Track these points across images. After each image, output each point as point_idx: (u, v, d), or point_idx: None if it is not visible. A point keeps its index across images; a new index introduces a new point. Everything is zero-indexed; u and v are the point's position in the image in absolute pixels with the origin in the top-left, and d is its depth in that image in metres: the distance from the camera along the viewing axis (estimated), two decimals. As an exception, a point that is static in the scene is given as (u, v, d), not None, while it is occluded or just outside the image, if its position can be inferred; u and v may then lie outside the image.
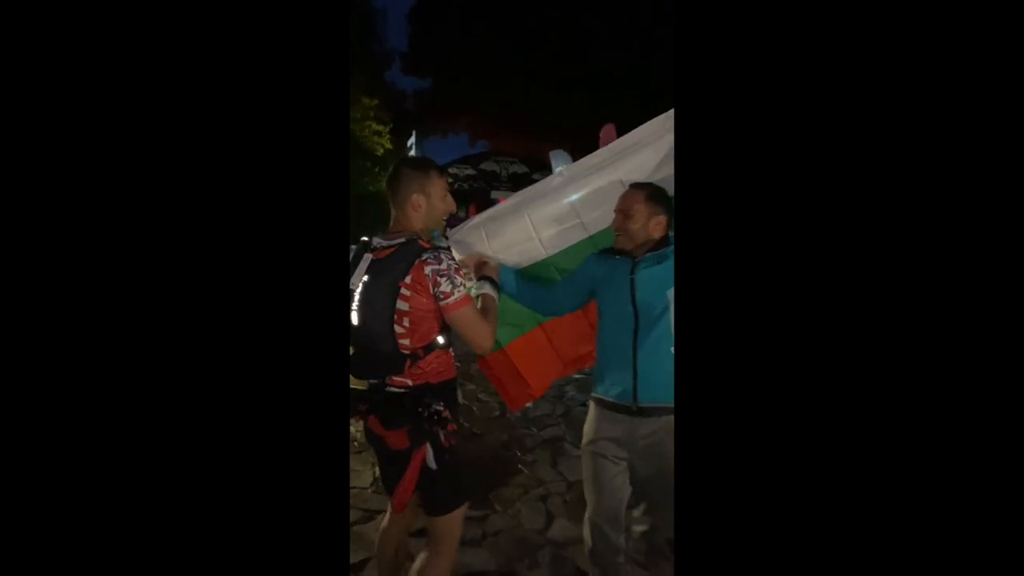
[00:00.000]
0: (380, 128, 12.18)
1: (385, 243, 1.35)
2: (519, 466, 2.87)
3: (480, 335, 1.35)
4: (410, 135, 13.62)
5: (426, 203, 1.38)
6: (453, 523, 1.42)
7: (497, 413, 3.64)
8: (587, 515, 1.59)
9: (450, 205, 1.46)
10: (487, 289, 1.55)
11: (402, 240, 1.33)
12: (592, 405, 1.61)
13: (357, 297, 1.32)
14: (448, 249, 1.41)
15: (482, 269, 1.63)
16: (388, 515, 1.58)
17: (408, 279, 1.27)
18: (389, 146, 12.38)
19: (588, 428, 1.61)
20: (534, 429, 3.42)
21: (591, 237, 1.78)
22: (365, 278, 1.32)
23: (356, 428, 3.38)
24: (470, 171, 16.11)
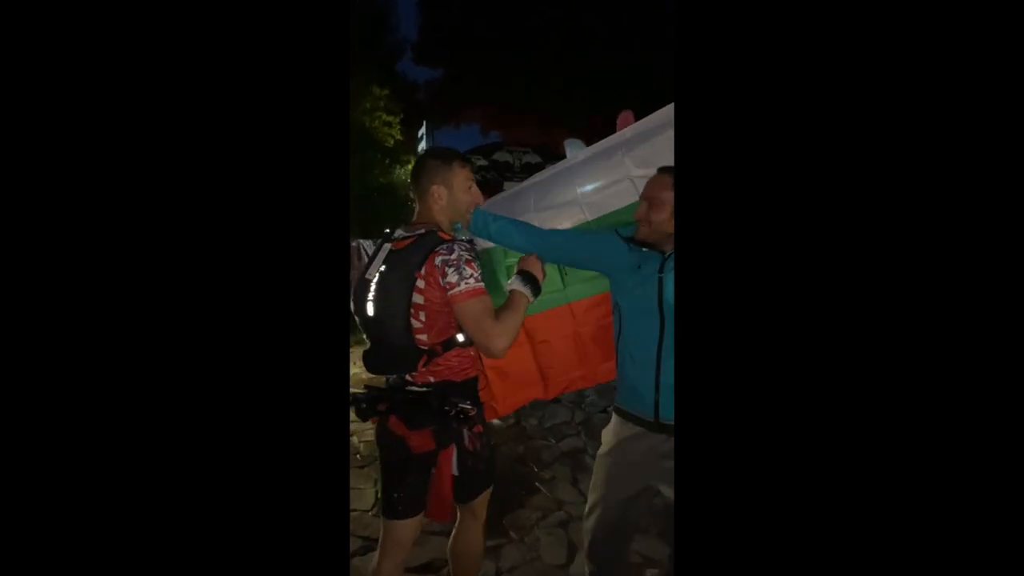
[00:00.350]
0: (390, 119, 11.90)
1: (405, 234, 1.30)
2: (536, 484, 2.61)
3: (488, 335, 1.19)
4: (421, 126, 13.31)
5: (447, 195, 1.33)
6: (481, 504, 1.43)
7: (512, 420, 3.38)
8: (586, 524, 1.47)
9: (475, 197, 1.39)
10: (518, 285, 1.32)
11: (422, 231, 1.28)
12: (613, 414, 1.47)
13: (373, 288, 1.26)
14: (469, 242, 1.30)
15: (526, 263, 1.40)
16: (380, 551, 1.36)
17: (423, 270, 1.21)
18: (400, 137, 12.09)
19: (606, 437, 1.47)
20: (552, 440, 3.15)
21: (587, 223, 1.66)
22: (382, 268, 1.26)
23: (359, 438, 3.15)
24: (483, 162, 15.76)
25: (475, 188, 1.39)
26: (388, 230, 1.37)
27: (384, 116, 11.79)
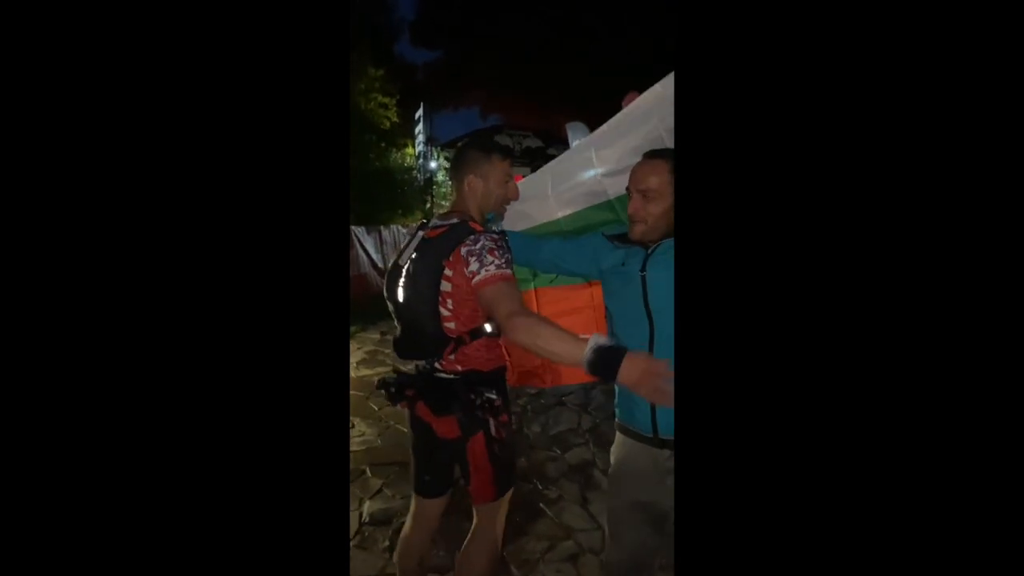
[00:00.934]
0: (386, 101, 11.51)
1: (440, 223, 1.31)
2: (541, 505, 2.32)
3: (502, 319, 1.11)
4: (418, 108, 12.89)
5: (483, 186, 1.33)
6: (499, 508, 1.37)
7: (513, 427, 3.10)
8: (603, 555, 1.39)
9: (512, 193, 1.38)
10: (594, 342, 1.01)
11: (455, 221, 1.28)
12: (617, 431, 1.33)
13: (404, 275, 1.29)
14: (501, 233, 1.29)
15: (635, 363, 1.02)
16: (409, 521, 1.46)
17: (451, 258, 1.22)
18: (396, 120, 11.72)
19: (612, 457, 1.34)
20: (557, 450, 2.86)
21: (557, 220, 1.53)
22: (414, 255, 1.28)
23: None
24: (482, 146, 15.38)
25: (512, 184, 1.37)
26: (424, 220, 1.40)
27: (380, 98, 11.39)
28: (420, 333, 1.26)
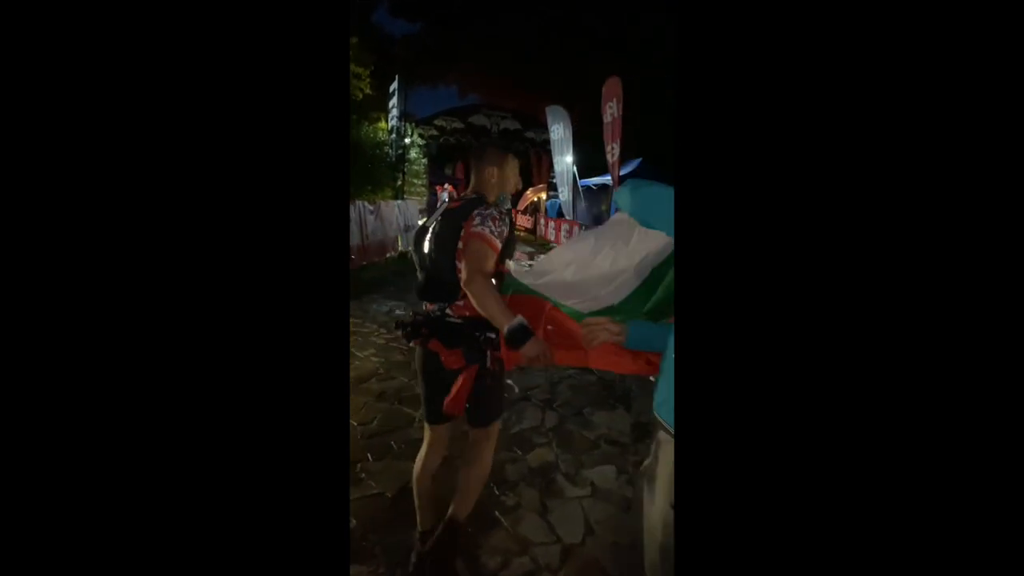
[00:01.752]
0: (360, 71, 11.00)
1: (459, 198, 1.71)
2: (496, 513, 2.12)
3: (468, 268, 1.47)
4: (393, 80, 12.35)
5: (498, 175, 1.71)
6: (491, 433, 1.75)
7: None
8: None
9: (517, 183, 1.78)
10: (516, 321, 1.43)
11: (473, 197, 1.66)
12: None
13: (431, 233, 1.65)
14: (508, 210, 1.67)
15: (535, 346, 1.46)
16: (424, 447, 1.80)
17: (468, 221, 1.55)
18: (369, 91, 11.22)
19: None
20: (518, 451, 2.67)
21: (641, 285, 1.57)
22: (439, 219, 1.65)
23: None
24: (458, 124, 14.84)
25: (518, 177, 1.78)
26: (446, 200, 1.80)
27: (353, 67, 10.86)
28: (440, 281, 1.61)
